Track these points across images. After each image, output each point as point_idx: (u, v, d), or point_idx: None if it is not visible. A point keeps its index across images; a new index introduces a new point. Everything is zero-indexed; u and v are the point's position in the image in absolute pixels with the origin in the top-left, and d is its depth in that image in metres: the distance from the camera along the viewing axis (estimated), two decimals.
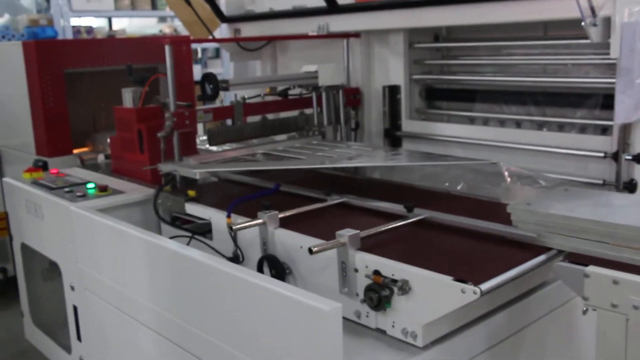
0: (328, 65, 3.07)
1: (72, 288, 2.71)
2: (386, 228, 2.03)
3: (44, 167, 3.59)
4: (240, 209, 2.29)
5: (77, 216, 2.56)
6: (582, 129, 2.85)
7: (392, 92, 3.30)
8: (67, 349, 2.94)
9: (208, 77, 2.71)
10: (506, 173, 2.46)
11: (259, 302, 1.71)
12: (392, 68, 3.33)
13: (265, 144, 2.94)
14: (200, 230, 2.50)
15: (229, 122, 2.97)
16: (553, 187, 2.21)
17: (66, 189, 2.85)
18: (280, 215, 2.15)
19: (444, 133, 3.17)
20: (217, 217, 2.37)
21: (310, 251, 1.80)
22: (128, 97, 3.05)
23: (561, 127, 2.93)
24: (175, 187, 2.73)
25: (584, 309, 2.24)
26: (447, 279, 1.68)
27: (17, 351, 3.84)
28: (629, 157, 2.53)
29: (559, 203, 1.92)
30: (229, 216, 2.25)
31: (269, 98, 3.28)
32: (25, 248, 3.21)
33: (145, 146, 2.92)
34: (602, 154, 2.58)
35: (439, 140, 3.19)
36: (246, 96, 3.01)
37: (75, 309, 2.74)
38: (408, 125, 3.33)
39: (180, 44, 3.07)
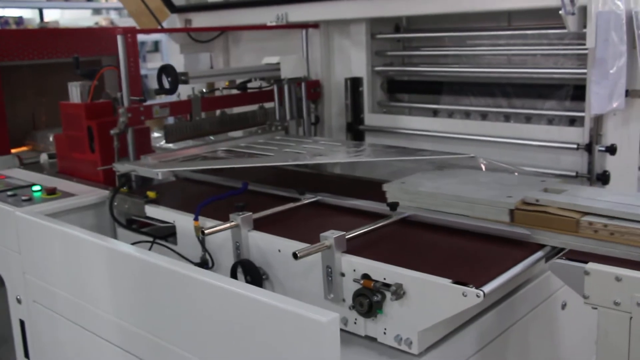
0: (291, 56, 2.93)
1: (19, 301, 2.48)
2: (370, 228, 1.90)
3: None
4: (206, 211, 2.13)
5: (24, 222, 2.35)
6: (550, 121, 2.80)
7: (354, 84, 3.19)
8: None
9: (166, 70, 2.53)
10: (483, 167, 2.38)
11: (243, 313, 1.56)
12: (354, 60, 3.22)
13: (226, 140, 2.78)
14: (162, 234, 2.32)
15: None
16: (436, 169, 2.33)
17: (9, 193, 2.63)
18: (254, 217, 2.00)
19: (409, 126, 3.08)
20: (181, 220, 2.20)
21: (295, 256, 1.67)
22: (75, 91, 2.86)
23: (529, 119, 2.87)
24: (131, 188, 2.54)
25: (563, 303, 2.20)
26: (446, 282, 1.57)
27: None
28: (602, 149, 2.49)
29: (430, 181, 2.11)
30: (196, 219, 2.08)
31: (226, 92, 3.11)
32: None
33: (97, 145, 2.73)
34: (574, 146, 2.53)
35: (403, 133, 3.09)
36: (204, 90, 2.83)
37: (22, 323, 2.51)
38: (371, 118, 3.22)
39: (133, 34, 2.87)
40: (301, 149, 2.55)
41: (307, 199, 2.25)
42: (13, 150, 3.60)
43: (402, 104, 3.30)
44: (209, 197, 2.23)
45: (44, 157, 3.29)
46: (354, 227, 1.88)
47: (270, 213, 2.09)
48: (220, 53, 3.82)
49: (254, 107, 3.09)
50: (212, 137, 2.96)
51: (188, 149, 2.66)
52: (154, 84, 7.44)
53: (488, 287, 1.55)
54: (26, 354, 2.55)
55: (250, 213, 2.00)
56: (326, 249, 1.73)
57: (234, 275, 1.97)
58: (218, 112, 2.98)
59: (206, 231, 1.92)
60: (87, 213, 2.55)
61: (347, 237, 1.77)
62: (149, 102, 2.59)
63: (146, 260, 1.84)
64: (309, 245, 1.73)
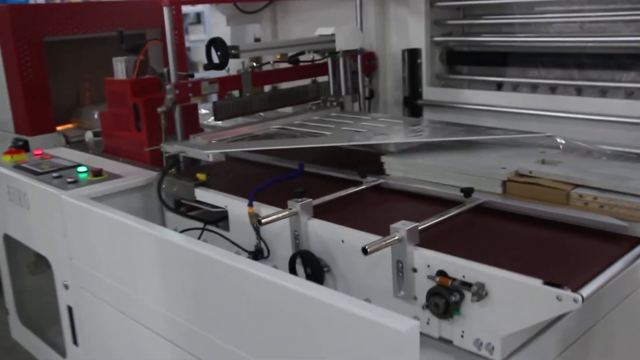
0: (346, 27, 2.73)
1: (66, 287, 2.38)
2: (443, 218, 1.71)
3: (25, 147, 3.24)
4: (260, 195, 1.96)
5: (70, 206, 2.24)
6: (629, 94, 2.54)
7: (412, 56, 2.97)
8: (61, 351, 2.62)
9: (215, 43, 2.36)
10: (561, 147, 2.16)
11: (307, 316, 1.40)
12: (412, 29, 3.00)
13: (277, 117, 2.60)
14: (213, 219, 2.18)
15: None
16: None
17: (54, 174, 2.52)
18: (314, 203, 1.82)
19: (470, 101, 2.86)
20: (234, 205, 2.05)
21: (365, 251, 1.49)
22: (120, 67, 2.70)
23: (604, 93, 2.62)
24: (179, 170, 2.39)
25: None
26: (537, 283, 1.37)
27: (2, 349, 3.49)
28: None
29: (430, 153, 2.10)
30: (250, 205, 1.92)
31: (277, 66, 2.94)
32: (8, 240, 2.88)
33: (143, 123, 2.58)
34: None
35: (464, 108, 2.88)
36: (254, 64, 2.66)
37: (70, 309, 2.42)
38: (429, 92, 3.01)
39: (178, 5, 2.71)
40: (360, 126, 2.37)
41: (370, 182, 2.06)
42: (58, 128, 3.50)
43: (462, 77, 3.08)
44: (263, 179, 2.06)
45: (89, 135, 3.18)
46: (423, 215, 1.69)
47: (330, 199, 1.92)
48: (268, 24, 3.64)
49: (305, 82, 2.92)
50: (262, 114, 2.78)
51: (238, 127, 2.49)
52: (197, 57, 7.31)
53: (587, 290, 1.35)
54: (74, 341, 2.45)
55: (310, 200, 1.82)
56: (397, 242, 1.55)
57: (292, 266, 1.80)
58: (268, 87, 2.79)
59: (263, 220, 1.76)
60: (134, 196, 2.42)
61: (419, 228, 1.58)
62: (196, 78, 2.41)
63: (197, 252, 1.69)
64: (378, 238, 1.56)
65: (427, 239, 1.60)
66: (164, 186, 2.32)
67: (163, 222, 2.42)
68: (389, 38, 3.12)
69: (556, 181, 1.78)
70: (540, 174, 1.81)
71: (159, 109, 2.42)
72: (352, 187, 2.02)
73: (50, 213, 2.38)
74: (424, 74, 2.99)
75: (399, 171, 2.08)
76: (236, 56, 2.41)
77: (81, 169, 2.55)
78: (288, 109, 2.99)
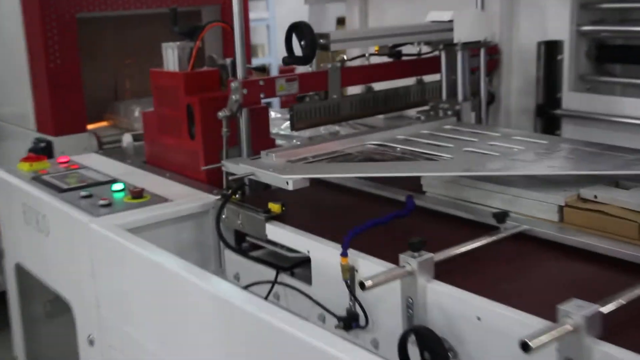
0: (469, 12, 2.47)
1: (91, 342, 2.19)
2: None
3: (48, 150, 3.15)
4: (356, 237, 1.70)
5: (100, 238, 2.05)
6: None
7: (550, 50, 2.71)
8: None
9: (299, 30, 2.14)
10: None
11: None
12: (551, 15, 2.75)
13: (371, 128, 2.37)
14: (288, 265, 1.97)
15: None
16: None
17: (82, 192, 2.34)
18: (436, 259, 1.55)
19: (628, 112, 2.58)
20: (320, 251, 1.82)
21: (527, 347, 1.19)
22: (172, 55, 2.51)
23: None
24: (244, 194, 2.15)
25: None
26: None
27: None
28: None
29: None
30: (344, 254, 1.65)
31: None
32: (21, 271, 2.71)
33: (198, 129, 2.40)
34: None
35: (617, 122, 2.59)
36: (345, 57, 2.43)
37: None
38: (572, 99, 2.74)
39: None
40: (489, 147, 2.09)
41: (509, 229, 1.76)
42: (90, 127, 3.36)
43: (615, 79, 2.83)
44: (357, 215, 1.91)
45: (127, 139, 3.00)
46: (595, 284, 1.47)
47: (457, 252, 1.64)
48: (356, 2, 3.39)
49: (403, 82, 2.69)
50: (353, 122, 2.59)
51: (324, 142, 2.23)
52: (255, 39, 7.11)
53: None
54: None
55: (431, 255, 1.54)
56: (571, 333, 1.25)
57: (403, 347, 1.53)
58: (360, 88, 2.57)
59: (366, 283, 1.48)
60: (183, 226, 2.21)
61: (601, 311, 1.28)
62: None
63: (266, 321, 1.48)
64: (537, 321, 1.29)
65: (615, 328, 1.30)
66: (224, 216, 2.07)
67: (220, 262, 2.24)
68: (517, 27, 2.88)
69: (627, 209, 1.68)
70: (607, 200, 1.72)
71: (220, 114, 2.21)
72: (486, 235, 1.73)
73: (75, 244, 2.21)
74: (565, 74, 2.74)
75: (437, 188, 2.00)
76: (325, 47, 2.20)
77: (117, 186, 2.37)
78: (380, 117, 2.82)
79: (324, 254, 1.80)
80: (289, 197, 2.06)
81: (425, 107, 2.55)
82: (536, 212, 1.81)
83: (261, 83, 2.24)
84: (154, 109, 2.64)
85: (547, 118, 2.74)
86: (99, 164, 2.73)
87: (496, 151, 2.05)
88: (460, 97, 2.52)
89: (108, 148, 3.22)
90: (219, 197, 2.17)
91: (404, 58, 2.66)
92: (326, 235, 1.84)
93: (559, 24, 2.70)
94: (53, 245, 2.38)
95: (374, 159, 2.12)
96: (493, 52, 2.79)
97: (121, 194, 2.32)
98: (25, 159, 2.70)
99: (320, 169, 2.02)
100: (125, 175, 2.55)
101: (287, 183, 1.88)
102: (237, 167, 2.09)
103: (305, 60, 2.18)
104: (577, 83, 2.76)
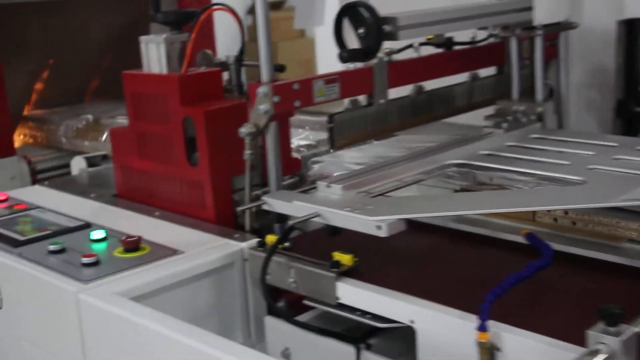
0: None
1: None
2: None
3: None
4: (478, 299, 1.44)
5: (98, 315, 1.72)
6: None
7: (631, 31, 2.56)
8: None
9: (354, 12, 1.85)
10: None
11: None
12: None
13: (450, 145, 2.13)
14: (360, 334, 1.70)
15: None
16: None
17: (52, 246, 1.97)
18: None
19: None
20: (433, 321, 1.53)
21: None
22: (157, 52, 2.21)
23: None
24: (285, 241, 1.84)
25: None
26: None
27: None
28: None
29: None
30: (483, 328, 1.37)
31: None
32: None
33: (204, 152, 2.09)
34: None
35: None
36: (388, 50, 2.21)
37: None
38: None
39: None
40: (614, 162, 1.89)
41: None
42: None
43: None
44: (458, 264, 1.75)
45: (79, 164, 2.74)
46: None
47: None
48: None
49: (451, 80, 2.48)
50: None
51: (390, 164, 1.95)
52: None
53: None
54: None
55: (632, 329, 1.25)
56: None
57: None
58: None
59: None
60: (200, 285, 1.89)
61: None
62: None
63: None
64: None
65: None
66: (268, 276, 1.74)
67: (249, 330, 1.97)
68: (581, 3, 2.68)
69: None
70: None
71: (243, 130, 1.90)
72: None
73: (55, 323, 1.86)
74: None
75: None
76: (392, 36, 1.92)
77: (96, 234, 2.03)
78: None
79: (441, 326, 1.50)
80: (356, 241, 1.75)
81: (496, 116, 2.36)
82: None
83: (296, 87, 1.96)
84: (128, 124, 2.36)
85: (629, 116, 2.56)
86: (52, 202, 2.40)
87: (632, 168, 1.80)
88: (539, 96, 2.33)
89: (46, 177, 2.94)
90: (257, 246, 1.83)
91: (457, 47, 2.44)
92: (431, 296, 1.55)
93: None
94: (14, 323, 2.03)
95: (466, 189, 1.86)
96: (553, 36, 2.57)
97: (104, 245, 1.98)
98: None
99: (419, 206, 1.71)
100: (96, 216, 2.24)
101: (380, 228, 1.56)
102: (289, 206, 1.76)
103: (366, 54, 1.93)
104: None
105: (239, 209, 1.96)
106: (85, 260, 1.86)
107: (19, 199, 2.42)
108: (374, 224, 1.59)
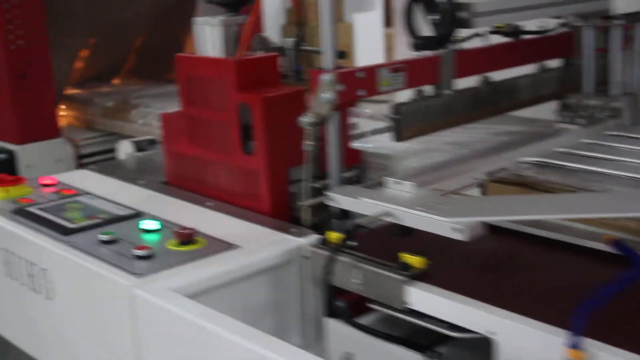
0: None
1: None
2: None
3: (9, 164, 2.87)
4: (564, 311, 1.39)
5: (154, 312, 1.67)
6: None
7: None
8: None
9: None
10: None
11: None
12: None
13: (521, 142, 2.06)
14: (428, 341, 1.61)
15: None
16: None
17: (102, 236, 1.92)
18: None
19: None
20: (516, 334, 1.42)
21: None
22: (212, 35, 2.17)
23: None
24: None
25: None
26: None
27: None
28: None
29: None
30: (576, 345, 1.29)
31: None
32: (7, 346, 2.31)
33: (261, 141, 2.03)
34: None
35: None
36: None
37: None
38: None
39: None
40: None
41: None
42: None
43: None
44: (540, 272, 1.62)
45: (126, 149, 2.69)
46: None
47: None
48: None
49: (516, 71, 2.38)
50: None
51: (452, 163, 1.88)
52: None
53: None
54: None
55: None
56: None
57: None
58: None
59: None
60: (255, 283, 1.82)
61: None
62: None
63: None
64: None
65: None
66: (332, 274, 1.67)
67: (303, 330, 1.91)
68: None
69: None
70: None
71: (305, 119, 1.82)
72: None
73: (107, 318, 1.81)
74: None
75: None
76: (467, 24, 1.86)
77: (147, 224, 1.98)
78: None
79: (524, 339, 1.41)
80: (409, 242, 1.66)
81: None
82: None
83: (360, 75, 1.88)
84: (181, 109, 2.32)
85: None
86: (100, 187, 2.37)
87: None
88: (615, 90, 2.24)
89: (91, 161, 2.91)
90: (321, 245, 1.74)
91: (526, 37, 2.36)
92: (512, 306, 1.46)
93: None
94: (63, 314, 1.96)
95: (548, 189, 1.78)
96: (625, 27, 2.46)
97: (157, 237, 1.92)
98: None
99: (501, 208, 1.62)
100: (146, 203, 2.20)
101: (459, 230, 1.47)
102: (355, 203, 1.67)
103: (440, 42, 1.88)
104: None
105: (301, 203, 1.89)
106: (138, 252, 1.81)
107: (66, 184, 2.37)
108: (451, 226, 1.50)
